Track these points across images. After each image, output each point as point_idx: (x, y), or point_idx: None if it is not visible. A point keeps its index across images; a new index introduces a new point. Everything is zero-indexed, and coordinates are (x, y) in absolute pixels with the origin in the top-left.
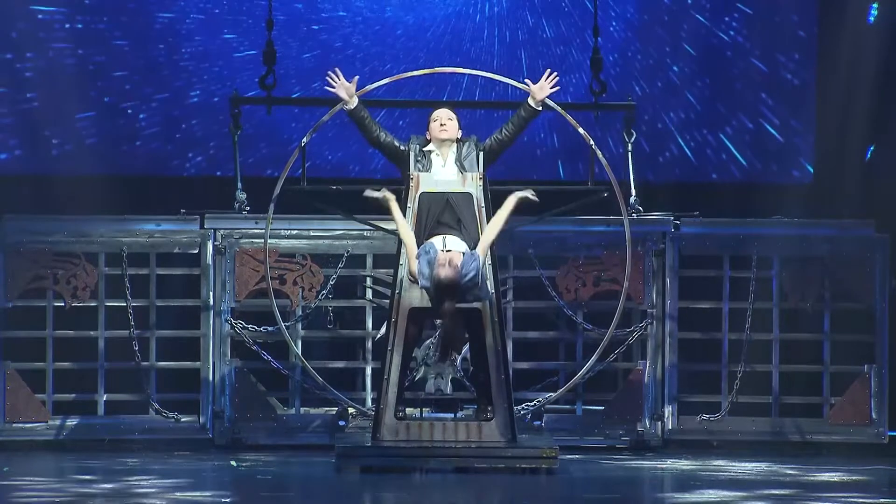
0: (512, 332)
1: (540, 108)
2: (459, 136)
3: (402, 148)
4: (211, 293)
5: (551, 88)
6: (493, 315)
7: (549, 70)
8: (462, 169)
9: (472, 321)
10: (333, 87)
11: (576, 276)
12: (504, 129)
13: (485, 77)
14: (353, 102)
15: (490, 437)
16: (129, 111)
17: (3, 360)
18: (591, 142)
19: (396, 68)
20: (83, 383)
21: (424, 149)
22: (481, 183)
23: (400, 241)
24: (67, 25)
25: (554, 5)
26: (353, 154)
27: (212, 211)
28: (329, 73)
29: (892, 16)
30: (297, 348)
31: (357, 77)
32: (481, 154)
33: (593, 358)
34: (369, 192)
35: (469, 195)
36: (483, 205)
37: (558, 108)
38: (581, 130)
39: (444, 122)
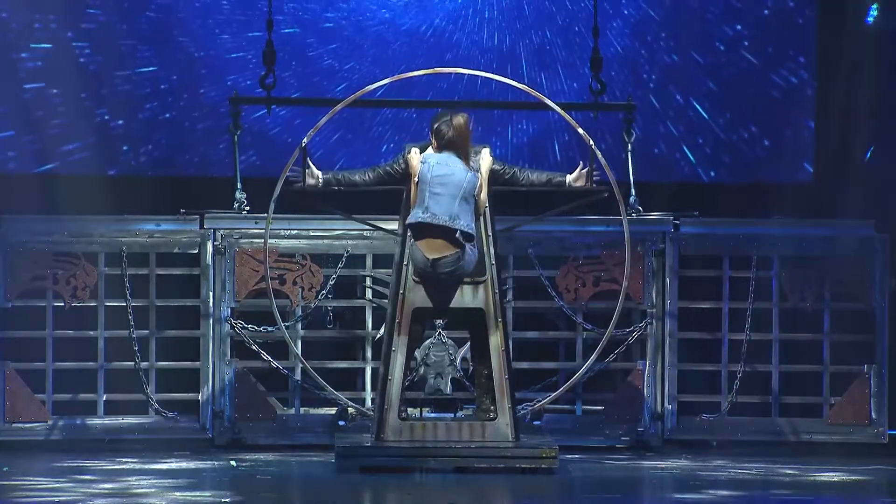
0: (512, 332)
1: (568, 188)
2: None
3: (395, 167)
4: (211, 293)
5: (587, 182)
6: (497, 315)
7: (582, 164)
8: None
9: (474, 321)
10: (299, 181)
11: (576, 276)
12: (530, 175)
13: (482, 78)
14: (320, 181)
15: (494, 438)
16: (129, 111)
17: (3, 360)
18: (591, 142)
19: (389, 73)
20: (83, 383)
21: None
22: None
23: (401, 242)
24: (68, 25)
25: (553, 4)
26: (356, 154)
27: (212, 211)
28: (293, 169)
29: (892, 16)
30: (297, 348)
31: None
32: (491, 167)
33: (592, 357)
34: None
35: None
36: (486, 204)
37: (558, 109)
38: (580, 130)
39: None
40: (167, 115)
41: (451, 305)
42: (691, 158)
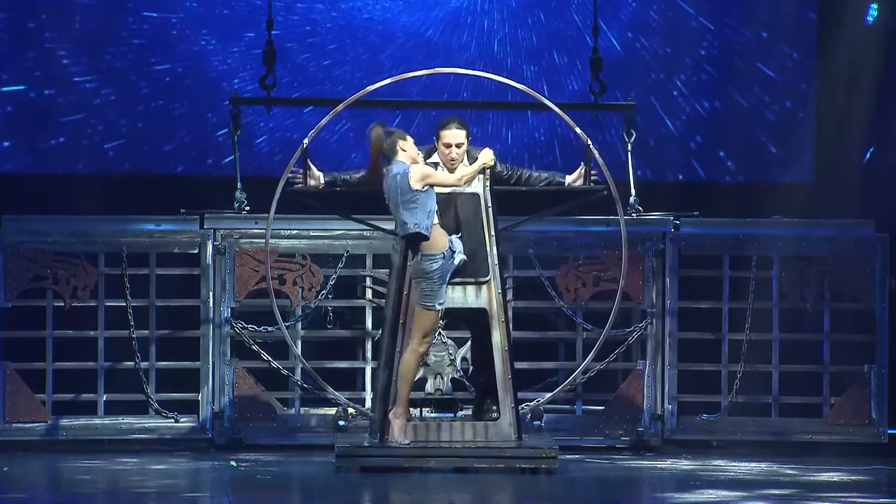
0: (512, 332)
1: (566, 188)
2: (468, 148)
3: None
4: (211, 293)
5: (585, 183)
6: (501, 315)
7: (583, 165)
8: None
9: (476, 321)
10: (300, 182)
11: (576, 276)
12: (531, 176)
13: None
14: (321, 182)
15: (497, 438)
16: (129, 110)
17: (3, 360)
18: (589, 141)
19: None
20: (83, 383)
21: (430, 160)
22: (488, 183)
23: (402, 244)
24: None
25: (553, 4)
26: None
27: (212, 211)
28: (294, 170)
29: (892, 16)
30: (297, 348)
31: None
32: (489, 166)
33: (589, 357)
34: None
35: (476, 195)
36: (490, 204)
37: (556, 109)
38: (578, 130)
39: (454, 149)
40: (168, 115)
41: (454, 306)
42: (691, 158)
